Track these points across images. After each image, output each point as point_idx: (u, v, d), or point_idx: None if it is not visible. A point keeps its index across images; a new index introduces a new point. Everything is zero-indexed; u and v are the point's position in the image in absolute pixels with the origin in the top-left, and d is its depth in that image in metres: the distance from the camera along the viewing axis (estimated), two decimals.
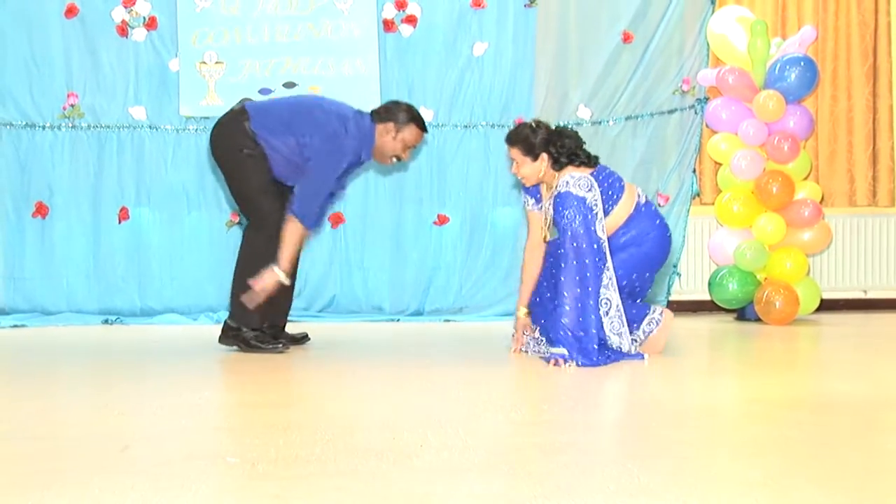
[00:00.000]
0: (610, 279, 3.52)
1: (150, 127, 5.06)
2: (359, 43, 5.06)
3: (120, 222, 5.08)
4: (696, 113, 5.29)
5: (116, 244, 5.08)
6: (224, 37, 5.08)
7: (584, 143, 3.63)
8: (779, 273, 4.99)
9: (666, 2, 5.21)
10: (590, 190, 3.52)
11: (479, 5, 5.15)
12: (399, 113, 3.74)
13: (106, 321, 5.01)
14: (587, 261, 3.46)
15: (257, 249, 3.69)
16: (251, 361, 3.67)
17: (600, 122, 5.26)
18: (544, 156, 3.58)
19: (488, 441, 2.30)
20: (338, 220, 5.16)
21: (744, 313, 5.14)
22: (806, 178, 5.17)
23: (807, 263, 5.05)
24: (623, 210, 3.64)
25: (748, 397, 3.03)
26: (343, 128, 3.66)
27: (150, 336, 4.61)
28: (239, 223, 5.07)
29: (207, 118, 5.02)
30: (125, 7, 5.01)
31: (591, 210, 3.50)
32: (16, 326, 4.87)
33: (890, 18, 5.50)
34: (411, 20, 5.12)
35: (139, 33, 5.02)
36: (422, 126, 3.79)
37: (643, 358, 3.55)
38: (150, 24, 5.03)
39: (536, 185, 3.74)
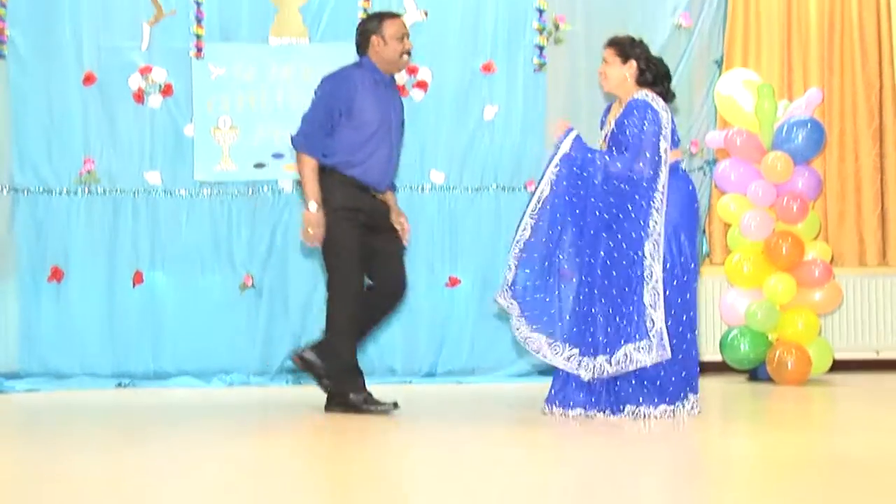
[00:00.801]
0: (656, 237, 3.68)
1: (164, 191, 5.26)
2: None
3: (134, 286, 5.25)
4: (704, 174, 5.43)
5: (131, 307, 5.24)
6: (238, 102, 5.34)
7: (671, 80, 3.90)
8: (790, 333, 5.16)
9: (673, 65, 5.14)
10: (666, 112, 3.77)
11: (489, 70, 5.36)
12: (367, 27, 4.09)
13: (119, 384, 5.21)
14: (637, 196, 3.70)
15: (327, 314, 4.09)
16: (267, 426, 3.90)
17: None
18: (634, 63, 3.84)
19: None
20: None
21: (756, 374, 5.29)
22: (815, 238, 5.34)
23: (818, 323, 5.22)
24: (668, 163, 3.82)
25: (763, 457, 3.13)
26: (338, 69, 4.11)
27: (164, 400, 4.82)
28: (252, 286, 5.31)
29: (221, 183, 5.30)
30: (142, 74, 5.24)
31: (661, 132, 3.71)
32: (30, 391, 5.07)
33: (895, 80, 5.72)
34: (422, 85, 5.32)
35: (155, 100, 5.24)
36: (391, 15, 4.15)
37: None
38: (166, 90, 5.25)
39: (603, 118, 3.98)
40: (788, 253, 5.11)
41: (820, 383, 5.13)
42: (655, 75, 3.85)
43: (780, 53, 5.59)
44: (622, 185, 3.77)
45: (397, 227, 4.22)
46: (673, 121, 3.86)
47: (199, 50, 5.22)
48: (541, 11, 5.35)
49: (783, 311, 5.18)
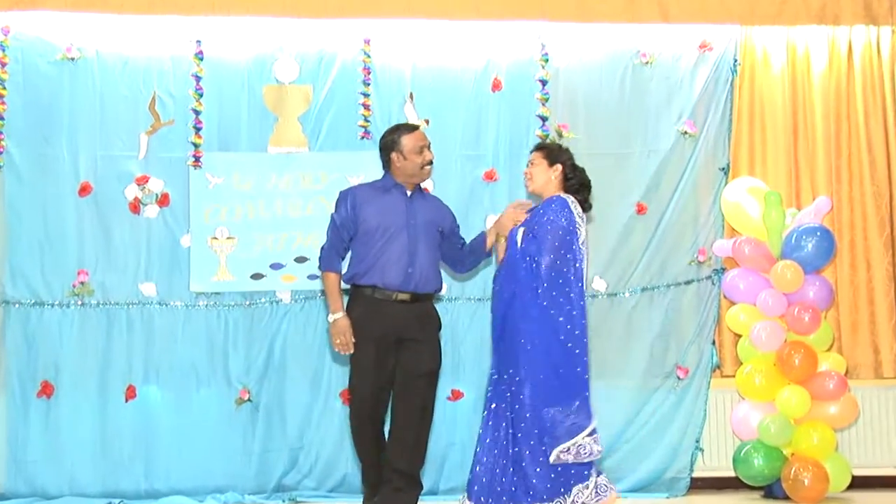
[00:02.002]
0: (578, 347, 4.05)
1: (159, 303, 5.32)
2: None
3: (127, 401, 5.26)
4: (713, 283, 5.54)
5: (123, 424, 5.25)
6: (236, 212, 5.41)
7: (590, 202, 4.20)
8: (806, 448, 5.19)
9: (679, 173, 5.55)
10: (582, 220, 4.11)
11: (492, 178, 5.51)
12: (386, 143, 4.37)
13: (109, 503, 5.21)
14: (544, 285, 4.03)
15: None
16: None
17: (616, 294, 5.54)
18: (559, 167, 4.19)
19: None
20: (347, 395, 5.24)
21: (771, 490, 5.32)
22: (829, 350, 5.42)
23: (835, 438, 5.24)
24: None
25: None
26: None
27: None
28: (249, 400, 5.35)
29: (218, 294, 5.36)
30: (138, 185, 5.35)
31: (577, 244, 4.06)
32: None
33: None
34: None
35: (151, 210, 5.35)
36: (409, 129, 4.37)
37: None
38: (163, 201, 5.37)
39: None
40: (801, 364, 5.16)
41: (839, 501, 5.15)
42: (580, 183, 4.21)
43: (787, 161, 5.71)
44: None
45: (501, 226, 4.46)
46: (579, 236, 4.12)
47: (197, 159, 5.34)
48: (543, 119, 5.51)
49: (798, 425, 5.21)
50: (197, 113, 5.36)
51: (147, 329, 5.33)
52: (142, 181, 5.36)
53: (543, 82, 5.51)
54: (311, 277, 5.32)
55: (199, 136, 5.37)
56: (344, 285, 4.42)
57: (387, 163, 4.33)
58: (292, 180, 5.42)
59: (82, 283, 5.30)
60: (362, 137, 5.42)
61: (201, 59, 5.39)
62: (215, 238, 5.37)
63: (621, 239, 5.55)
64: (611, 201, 5.46)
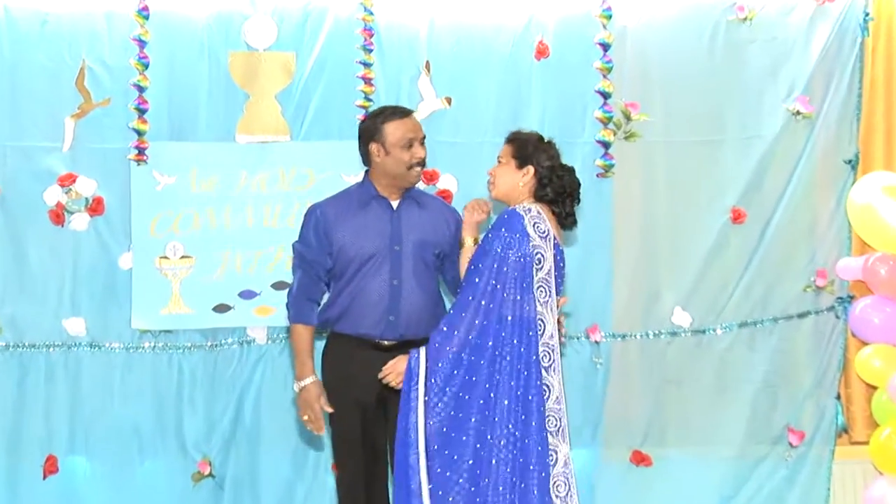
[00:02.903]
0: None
1: (90, 345, 4.86)
2: None
3: (45, 477, 4.83)
4: (836, 317, 5.14)
5: None
6: (194, 222, 4.91)
7: (579, 203, 3.84)
8: None
9: (789, 167, 5.08)
10: (543, 240, 3.70)
11: None
12: (364, 129, 4.04)
13: None
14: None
15: None
16: None
17: (704, 331, 5.08)
18: (531, 170, 3.76)
19: None
20: None
21: None
22: None
23: None
24: None
25: None
26: None
27: None
28: (211, 475, 4.92)
29: (170, 332, 4.93)
30: (62, 186, 4.81)
31: (529, 268, 3.65)
32: None
33: None
34: (445, 196, 4.89)
35: (80, 220, 4.85)
36: (398, 113, 4.02)
37: None
38: (95, 207, 4.85)
39: None
40: None
41: None
42: (558, 192, 3.79)
43: None
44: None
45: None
46: (559, 258, 3.80)
47: (141, 151, 4.85)
48: (605, 96, 4.99)
49: None
50: (141, 90, 4.86)
51: (73, 380, 4.87)
52: (67, 181, 4.84)
53: (605, 46, 5.01)
54: None
55: (144, 121, 4.86)
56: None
57: (365, 157, 4.05)
58: (269, 179, 4.96)
59: None
60: (363, 122, 4.77)
61: (146, 18, 4.86)
62: (165, 257, 4.91)
63: (711, 257, 5.07)
64: (696, 206, 5.05)
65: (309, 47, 4.94)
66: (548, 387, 3.68)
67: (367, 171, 4.08)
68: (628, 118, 5.01)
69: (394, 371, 3.75)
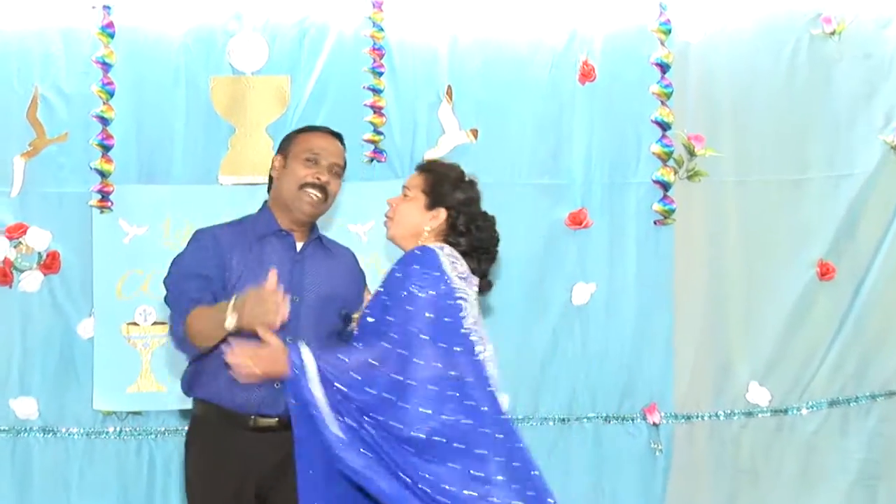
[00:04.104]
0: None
1: (43, 430, 4.67)
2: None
3: None
4: None
5: None
6: None
7: (494, 262, 3.52)
8: None
9: (887, 212, 4.89)
10: (464, 282, 3.28)
11: (579, 223, 4.79)
12: (282, 140, 3.71)
13: None
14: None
15: None
16: None
17: (786, 411, 4.90)
18: (443, 213, 3.42)
19: None
20: None
21: None
22: None
23: None
24: None
25: None
26: None
27: None
28: None
29: (139, 414, 4.78)
30: (9, 238, 4.63)
31: (457, 314, 3.21)
32: None
33: None
34: None
35: (31, 280, 4.68)
36: (318, 129, 3.72)
37: None
38: (49, 264, 4.69)
39: None
40: None
41: None
42: (474, 245, 3.46)
43: None
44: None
45: None
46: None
47: (105, 197, 4.66)
48: (664, 127, 4.78)
49: None
50: (105, 122, 4.68)
51: (23, 471, 4.67)
52: (15, 233, 4.69)
53: (663, 67, 4.82)
54: None
55: (109, 160, 4.68)
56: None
57: (270, 178, 3.72)
58: None
59: None
60: (371, 160, 4.76)
61: (111, 37, 4.68)
62: (134, 324, 4.73)
63: (793, 321, 4.90)
64: (775, 259, 4.90)
65: (307, 70, 4.77)
66: None
67: (266, 201, 3.71)
68: (692, 154, 4.83)
69: (251, 358, 3.09)
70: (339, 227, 4.65)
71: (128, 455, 4.69)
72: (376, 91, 4.68)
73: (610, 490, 4.66)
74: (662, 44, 4.75)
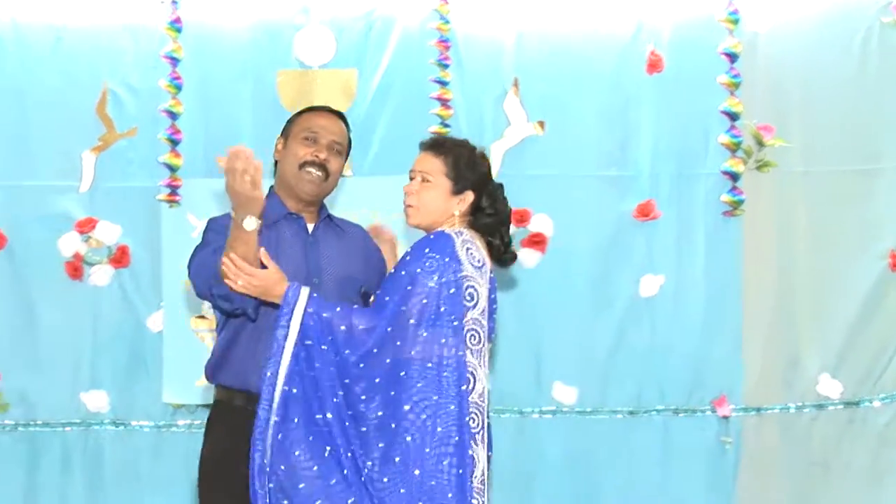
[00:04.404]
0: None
1: (114, 423, 4.73)
2: None
3: None
4: None
5: None
6: None
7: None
8: None
9: None
10: (478, 271, 3.24)
11: (647, 215, 4.79)
12: (286, 123, 3.66)
13: None
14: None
15: None
16: None
17: (858, 403, 4.86)
18: (470, 196, 3.34)
19: None
20: None
21: None
22: None
23: None
24: None
25: None
26: None
27: None
28: None
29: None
30: (80, 233, 4.70)
31: (458, 302, 3.18)
32: None
33: None
34: (538, 242, 4.77)
35: (101, 274, 4.76)
36: (321, 108, 3.70)
37: None
38: (119, 258, 4.76)
39: None
40: None
41: None
42: (502, 220, 3.45)
43: None
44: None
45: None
46: (493, 299, 3.38)
47: (174, 191, 4.73)
48: (732, 117, 4.77)
49: None
50: (173, 117, 4.74)
51: (93, 465, 4.73)
52: (85, 227, 4.74)
53: (731, 57, 4.81)
54: None
55: (178, 155, 4.74)
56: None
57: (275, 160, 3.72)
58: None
59: None
60: None
61: (179, 32, 4.74)
62: (202, 317, 4.77)
63: (865, 312, 4.83)
64: (846, 250, 4.85)
65: (373, 63, 4.80)
66: (473, 459, 3.20)
67: (272, 186, 3.67)
68: (761, 144, 4.80)
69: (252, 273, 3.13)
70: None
71: (197, 448, 4.44)
72: (443, 83, 4.71)
73: (679, 484, 4.66)
74: (731, 33, 4.74)
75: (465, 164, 3.39)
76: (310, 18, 4.74)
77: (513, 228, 4.53)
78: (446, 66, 4.71)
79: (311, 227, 3.60)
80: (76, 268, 4.67)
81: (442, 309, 3.20)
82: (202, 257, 3.40)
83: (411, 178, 3.36)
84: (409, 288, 3.18)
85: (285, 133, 3.60)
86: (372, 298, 3.42)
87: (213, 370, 3.53)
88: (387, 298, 3.16)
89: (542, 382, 4.77)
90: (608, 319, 4.72)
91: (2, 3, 4.69)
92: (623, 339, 4.75)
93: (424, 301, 3.18)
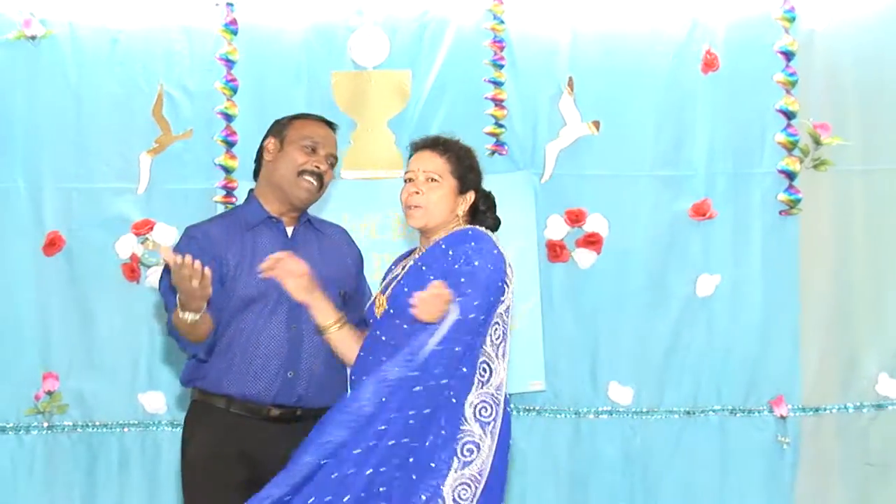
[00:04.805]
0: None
1: (172, 424, 4.71)
2: None
3: None
4: None
5: None
6: None
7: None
8: None
9: None
10: (509, 268, 3.26)
11: (703, 214, 4.80)
12: (273, 125, 3.65)
13: None
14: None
15: None
16: None
17: None
18: (471, 196, 3.37)
19: None
20: None
21: None
22: None
23: None
24: None
25: None
26: None
27: None
28: None
29: None
30: (136, 235, 4.72)
31: (501, 301, 3.20)
32: None
33: None
34: (593, 242, 4.75)
35: (157, 276, 4.51)
36: (315, 116, 3.68)
37: None
38: None
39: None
40: None
41: None
42: (497, 222, 3.47)
43: None
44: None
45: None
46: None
47: (230, 192, 4.76)
48: (789, 116, 4.78)
49: None
50: (228, 119, 4.77)
51: (153, 467, 4.75)
52: (142, 229, 4.76)
53: (788, 55, 4.80)
54: None
55: (233, 157, 4.76)
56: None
57: (258, 163, 3.66)
58: (379, 225, 4.84)
59: (49, 392, 4.74)
60: (492, 153, 4.78)
61: (234, 34, 4.78)
62: None
63: None
64: None
65: (427, 64, 4.81)
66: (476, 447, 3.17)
67: (251, 190, 3.66)
68: (818, 142, 4.79)
69: (429, 298, 3.06)
70: None
71: None
72: (497, 84, 4.73)
73: (737, 484, 4.64)
74: (787, 31, 4.75)
75: (468, 163, 3.40)
76: (364, 20, 4.78)
77: (568, 228, 4.63)
78: (501, 67, 4.73)
79: (290, 230, 3.59)
80: (133, 269, 4.70)
81: (491, 299, 3.20)
82: (170, 304, 3.37)
83: (408, 179, 3.33)
84: (480, 279, 3.20)
85: (279, 136, 3.58)
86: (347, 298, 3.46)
87: (191, 377, 3.51)
88: (463, 293, 3.12)
89: (597, 383, 4.74)
90: (664, 319, 4.72)
91: (59, 8, 4.72)
92: (679, 340, 4.74)
93: (492, 299, 3.19)
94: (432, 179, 3.32)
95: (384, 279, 3.46)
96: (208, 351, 3.32)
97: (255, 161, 3.63)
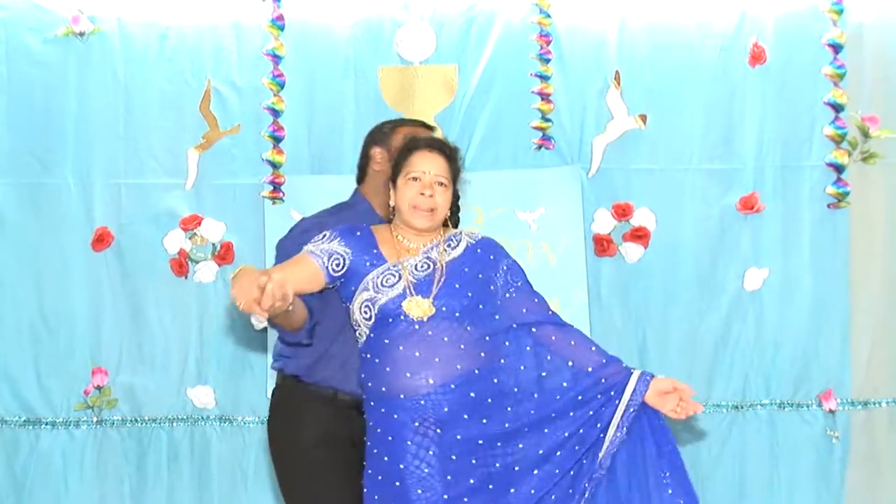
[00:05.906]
0: None
1: (220, 419, 4.80)
2: (556, 273, 4.71)
3: None
4: None
5: None
6: None
7: None
8: None
9: None
10: None
11: (751, 208, 4.82)
12: (373, 132, 3.72)
13: None
14: None
15: None
16: None
17: None
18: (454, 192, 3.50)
19: None
20: None
21: None
22: None
23: None
24: None
25: None
26: None
27: None
28: None
29: None
30: (185, 230, 4.79)
31: None
32: None
33: None
34: (640, 236, 4.78)
35: (206, 270, 4.83)
36: (418, 122, 3.77)
37: None
38: (224, 255, 4.83)
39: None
40: None
41: None
42: (456, 217, 3.59)
43: None
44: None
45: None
46: None
47: (277, 188, 4.82)
48: (837, 108, 4.82)
49: None
50: (276, 114, 4.84)
51: (201, 460, 4.82)
52: (190, 224, 4.84)
53: (836, 48, 4.84)
54: None
55: (281, 152, 4.84)
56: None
57: (362, 169, 3.68)
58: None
59: (99, 387, 4.81)
60: (539, 147, 4.83)
61: (281, 29, 4.85)
62: None
63: None
64: None
65: (474, 58, 4.85)
66: None
67: (356, 189, 3.71)
68: (866, 135, 4.80)
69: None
70: (508, 215, 4.72)
71: None
72: (544, 78, 4.76)
73: (786, 478, 4.65)
74: (835, 24, 4.78)
75: (458, 166, 3.47)
76: (410, 14, 4.83)
77: (615, 222, 4.69)
78: (547, 61, 4.76)
79: None
80: (181, 265, 4.75)
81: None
82: None
83: (416, 179, 3.31)
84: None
85: (384, 143, 3.60)
86: None
87: (303, 371, 3.54)
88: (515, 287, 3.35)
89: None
90: (712, 313, 4.73)
91: (107, 4, 4.79)
92: (728, 333, 4.74)
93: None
94: (440, 183, 3.38)
95: (384, 274, 3.36)
96: (309, 335, 3.38)
97: (360, 164, 3.66)
